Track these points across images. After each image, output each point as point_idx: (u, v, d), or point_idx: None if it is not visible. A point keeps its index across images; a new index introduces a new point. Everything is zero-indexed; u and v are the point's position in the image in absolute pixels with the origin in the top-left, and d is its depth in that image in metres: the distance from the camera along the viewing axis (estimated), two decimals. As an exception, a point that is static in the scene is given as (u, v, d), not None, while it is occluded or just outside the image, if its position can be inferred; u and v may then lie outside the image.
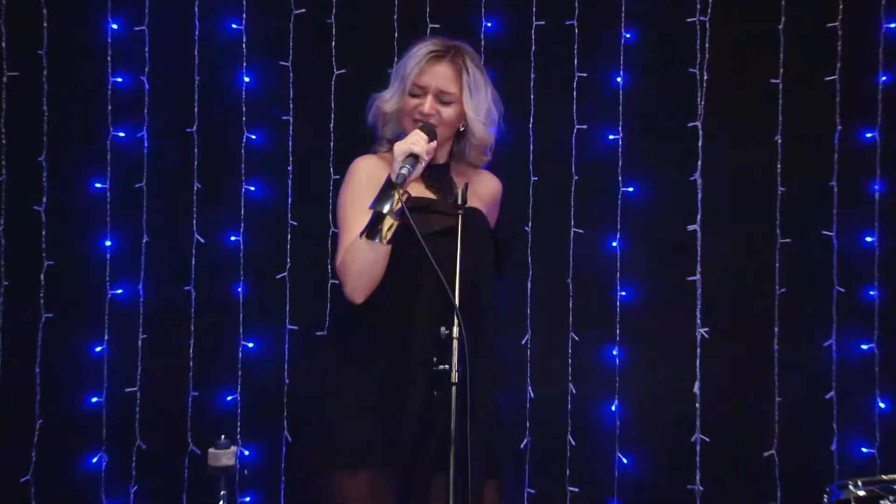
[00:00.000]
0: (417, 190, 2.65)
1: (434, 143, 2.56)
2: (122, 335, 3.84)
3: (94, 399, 3.86)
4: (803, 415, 3.71)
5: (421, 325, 2.50)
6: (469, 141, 2.76)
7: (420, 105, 2.65)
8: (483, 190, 2.83)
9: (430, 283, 2.47)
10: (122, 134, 3.88)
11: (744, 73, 3.75)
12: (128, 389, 3.85)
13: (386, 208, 2.39)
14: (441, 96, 2.67)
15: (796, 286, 3.73)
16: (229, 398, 3.83)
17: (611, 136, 3.77)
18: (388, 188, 2.41)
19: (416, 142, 2.48)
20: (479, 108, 2.70)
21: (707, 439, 3.72)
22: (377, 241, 2.42)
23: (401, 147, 2.48)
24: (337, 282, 3.45)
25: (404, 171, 2.42)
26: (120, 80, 3.88)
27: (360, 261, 2.45)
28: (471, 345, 2.36)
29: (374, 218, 2.41)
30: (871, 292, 3.73)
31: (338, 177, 3.72)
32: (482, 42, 3.77)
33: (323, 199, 3.83)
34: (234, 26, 3.86)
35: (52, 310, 3.86)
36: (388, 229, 2.42)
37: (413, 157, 2.45)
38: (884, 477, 2.68)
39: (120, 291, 3.88)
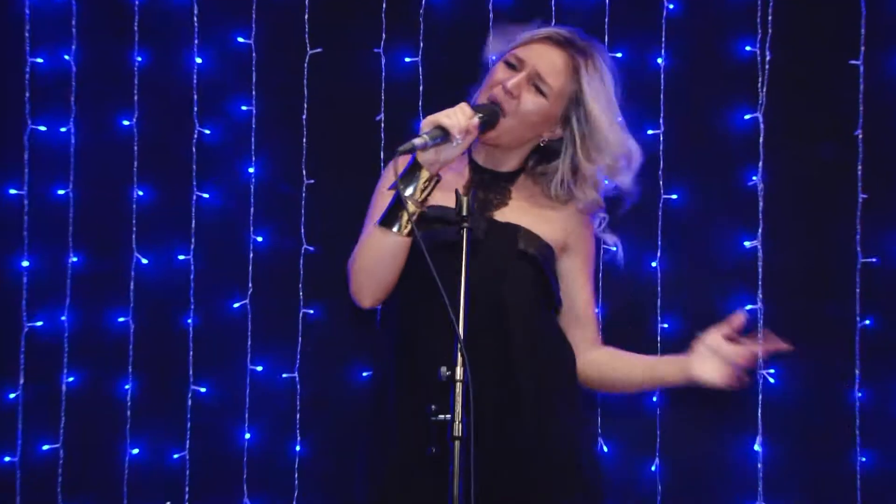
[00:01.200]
0: (448, 198, 2.45)
1: (475, 122, 2.33)
2: (42, 378, 3.75)
3: (7, 458, 3.77)
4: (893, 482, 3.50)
5: (422, 363, 2.36)
6: (580, 169, 2.50)
7: (507, 79, 2.45)
8: (556, 215, 2.58)
9: (436, 310, 2.30)
10: (42, 128, 3.78)
11: (816, 52, 3.59)
12: (47, 446, 3.73)
13: (409, 191, 2.27)
14: (536, 81, 2.45)
15: (883, 317, 3.53)
16: (175, 456, 3.69)
17: (650, 132, 3.59)
18: (413, 169, 2.29)
19: (452, 113, 2.29)
20: (593, 137, 2.49)
21: (773, 511, 3.60)
22: (394, 230, 2.31)
23: (430, 117, 2.30)
24: (311, 311, 3.61)
25: (419, 140, 2.22)
26: (40, 60, 3.80)
27: (371, 252, 2.37)
28: (496, 393, 2.29)
29: (393, 201, 2.31)
30: None
31: (312, 181, 3.68)
32: (490, 15, 3.62)
33: (293, 210, 3.72)
34: None
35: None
36: (408, 219, 2.30)
37: (440, 130, 2.26)
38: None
39: (40, 323, 3.78)
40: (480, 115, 2.35)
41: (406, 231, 2.32)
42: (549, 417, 2.43)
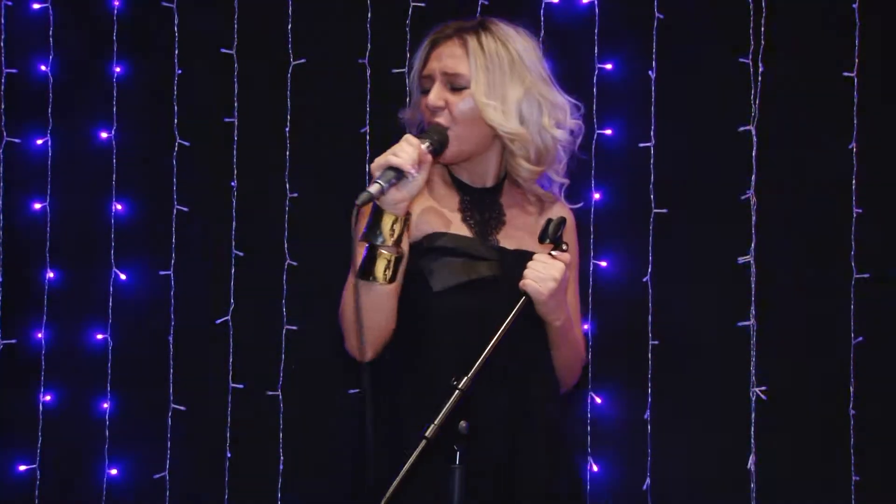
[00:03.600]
0: (451, 225, 2.45)
1: (426, 150, 2.28)
2: (17, 396, 3.76)
3: (-16, 480, 3.83)
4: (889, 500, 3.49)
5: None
6: (510, 151, 2.46)
7: (427, 101, 2.43)
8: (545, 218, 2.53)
9: (448, 355, 2.32)
10: (18, 140, 3.81)
11: (809, 64, 3.56)
12: (24, 467, 3.75)
13: (380, 240, 2.23)
14: (450, 81, 2.41)
15: (877, 334, 3.51)
16: (156, 476, 3.68)
17: (641, 144, 3.58)
18: (377, 216, 2.24)
19: (399, 150, 2.24)
20: (497, 89, 2.41)
21: (766, 531, 3.60)
22: (375, 281, 2.26)
23: (378, 159, 2.25)
24: (294, 327, 3.64)
25: (374, 188, 2.18)
26: (16, 71, 3.82)
27: (356, 307, 2.28)
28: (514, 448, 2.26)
29: (366, 253, 2.27)
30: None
31: (295, 194, 3.68)
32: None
33: (276, 224, 3.72)
34: (163, 3, 3.77)
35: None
36: (386, 267, 2.26)
37: (393, 171, 2.21)
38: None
39: (15, 341, 3.79)
40: (428, 141, 2.33)
41: (388, 279, 2.27)
42: (558, 449, 2.42)
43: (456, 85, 2.41)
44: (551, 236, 2.25)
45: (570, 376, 2.51)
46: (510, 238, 2.42)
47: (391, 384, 2.39)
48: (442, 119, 2.38)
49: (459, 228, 2.46)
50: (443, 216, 2.43)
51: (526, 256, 2.40)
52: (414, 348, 2.39)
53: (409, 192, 2.26)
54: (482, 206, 2.49)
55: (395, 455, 2.31)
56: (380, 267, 2.25)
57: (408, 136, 2.29)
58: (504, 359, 2.27)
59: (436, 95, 2.40)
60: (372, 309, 2.29)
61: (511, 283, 2.33)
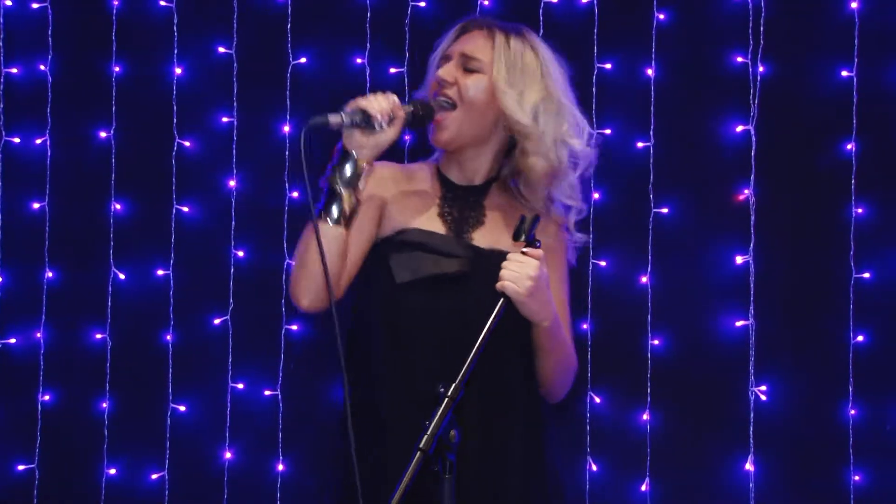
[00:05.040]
0: (425, 220, 2.41)
1: (402, 111, 2.28)
2: (15, 396, 3.74)
3: (-18, 478, 3.81)
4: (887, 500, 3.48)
5: (395, 432, 2.27)
6: (521, 148, 2.40)
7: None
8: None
9: (415, 350, 2.30)
10: (17, 139, 3.80)
11: (808, 63, 3.57)
12: (22, 466, 3.73)
13: (339, 182, 2.24)
14: (466, 62, 2.39)
15: (877, 334, 3.51)
16: (154, 476, 3.68)
17: (640, 144, 3.59)
18: (343, 156, 2.25)
19: (373, 98, 2.26)
20: (518, 83, 2.38)
21: (765, 532, 3.59)
22: (330, 221, 2.25)
23: (354, 100, 2.27)
24: (294, 328, 3.61)
25: (333, 118, 2.19)
26: (15, 70, 3.81)
27: (304, 243, 2.30)
28: (492, 456, 2.19)
29: (327, 190, 2.27)
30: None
31: (294, 194, 3.70)
32: None
33: (275, 223, 3.70)
34: (162, 3, 3.77)
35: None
36: (341, 210, 2.26)
37: (361, 113, 2.22)
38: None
39: (13, 341, 3.77)
40: (411, 106, 2.32)
41: (339, 221, 2.27)
42: (536, 460, 2.37)
43: (470, 67, 2.40)
44: (526, 233, 2.21)
45: (562, 385, 2.44)
46: (486, 237, 2.39)
47: (361, 379, 2.37)
48: (450, 92, 2.36)
49: (433, 224, 2.43)
50: (419, 211, 2.41)
51: (499, 256, 2.35)
52: (383, 341, 2.36)
53: (374, 141, 2.25)
54: (463, 203, 2.45)
55: (367, 441, 2.28)
56: (335, 209, 2.26)
57: (388, 93, 2.30)
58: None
59: (447, 71, 2.39)
60: (315, 249, 2.27)
61: (481, 281, 2.30)
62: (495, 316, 2.11)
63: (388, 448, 2.29)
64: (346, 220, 2.26)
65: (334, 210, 2.25)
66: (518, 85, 2.38)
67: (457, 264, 2.31)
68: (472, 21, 2.49)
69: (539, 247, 2.17)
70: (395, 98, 2.27)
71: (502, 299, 2.16)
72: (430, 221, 2.44)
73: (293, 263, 2.37)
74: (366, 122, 2.23)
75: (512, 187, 2.46)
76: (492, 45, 2.41)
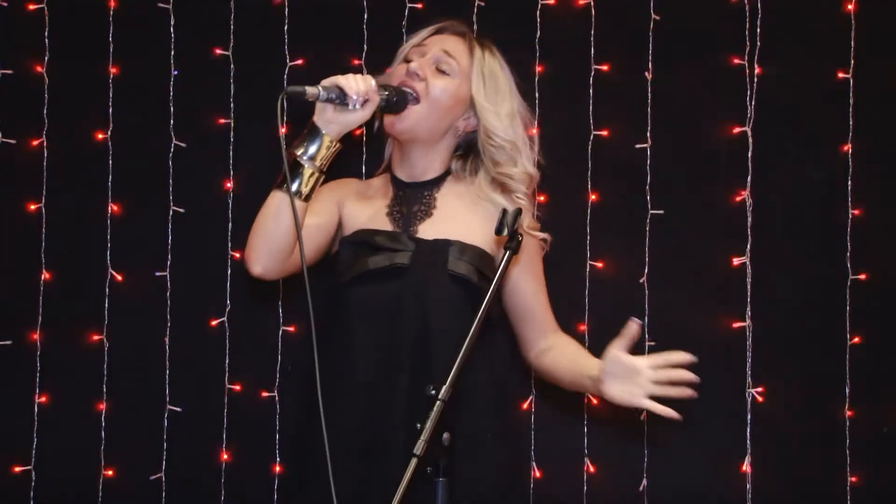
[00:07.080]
0: (375, 219, 2.50)
1: (376, 94, 2.33)
2: (11, 397, 3.69)
3: (-21, 480, 3.73)
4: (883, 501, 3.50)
5: (347, 421, 2.35)
6: (486, 151, 2.53)
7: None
8: (491, 209, 2.54)
9: (362, 342, 2.39)
10: (13, 141, 3.75)
11: (805, 65, 3.59)
12: (19, 468, 3.69)
13: (308, 152, 2.31)
14: (441, 63, 2.48)
15: (873, 336, 3.53)
16: (152, 478, 3.65)
17: (637, 146, 3.60)
18: (312, 130, 2.31)
19: (350, 77, 2.31)
20: (493, 98, 2.52)
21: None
22: (286, 191, 2.30)
23: (331, 77, 2.33)
24: (291, 328, 3.61)
25: (310, 89, 2.25)
26: (11, 72, 3.77)
27: (265, 211, 2.37)
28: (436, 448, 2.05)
29: (290, 165, 2.33)
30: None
31: None
32: (475, 27, 3.58)
33: None
34: (159, 4, 3.73)
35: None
36: (303, 182, 2.31)
37: (337, 89, 2.28)
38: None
39: (9, 342, 3.72)
40: (385, 91, 2.36)
41: (299, 194, 2.30)
42: (478, 445, 2.38)
43: (443, 68, 2.49)
44: (508, 227, 2.22)
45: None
46: (433, 228, 2.45)
47: (312, 375, 2.36)
48: (418, 86, 2.43)
49: (383, 223, 2.51)
50: (370, 213, 2.48)
51: (443, 244, 2.44)
52: (333, 339, 2.41)
53: (344, 119, 2.30)
54: (412, 200, 2.52)
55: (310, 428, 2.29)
56: (297, 182, 2.30)
57: (367, 75, 2.35)
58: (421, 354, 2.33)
59: (420, 65, 2.46)
60: (275, 218, 2.33)
61: (421, 271, 2.39)
62: (481, 315, 2.09)
63: (328, 440, 2.27)
64: (306, 195, 2.31)
65: (295, 183, 2.29)
66: (494, 100, 2.51)
67: (400, 258, 2.39)
68: (452, 25, 2.58)
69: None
70: (372, 81, 2.32)
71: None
72: (379, 220, 2.51)
73: (252, 229, 2.42)
74: (341, 99, 2.28)
75: (468, 179, 2.56)
76: (469, 56, 2.52)
